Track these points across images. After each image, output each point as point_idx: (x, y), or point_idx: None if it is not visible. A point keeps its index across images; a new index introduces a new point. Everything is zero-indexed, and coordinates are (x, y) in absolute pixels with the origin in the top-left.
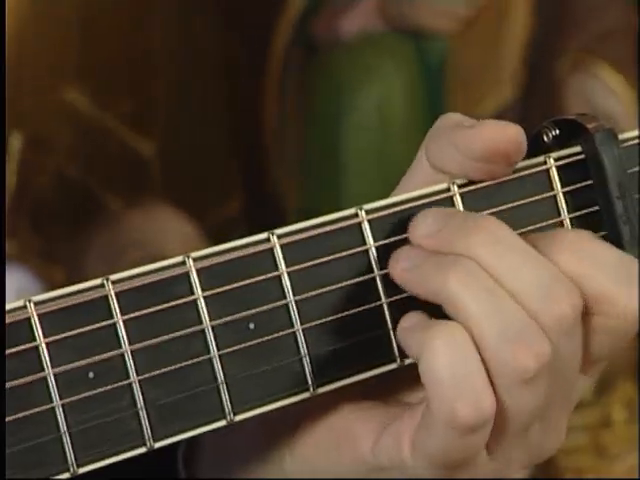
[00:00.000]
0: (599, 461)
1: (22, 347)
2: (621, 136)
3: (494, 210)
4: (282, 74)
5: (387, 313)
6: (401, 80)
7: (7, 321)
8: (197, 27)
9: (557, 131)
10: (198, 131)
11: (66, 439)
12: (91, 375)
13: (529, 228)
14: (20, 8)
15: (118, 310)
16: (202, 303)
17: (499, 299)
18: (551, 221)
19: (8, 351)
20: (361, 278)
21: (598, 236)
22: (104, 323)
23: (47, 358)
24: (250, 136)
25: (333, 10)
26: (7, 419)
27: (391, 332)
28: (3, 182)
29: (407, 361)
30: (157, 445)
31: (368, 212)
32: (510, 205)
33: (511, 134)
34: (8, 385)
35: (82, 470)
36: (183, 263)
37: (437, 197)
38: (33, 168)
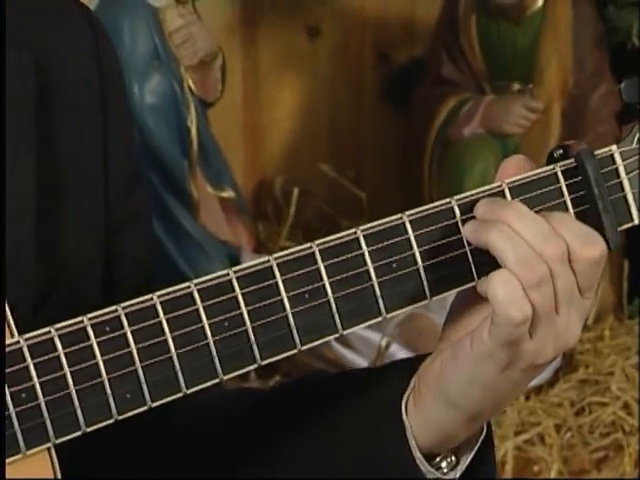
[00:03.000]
0: (595, 357)
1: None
2: (596, 152)
3: (527, 196)
4: (432, 157)
5: (470, 256)
6: (493, 160)
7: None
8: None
9: (561, 151)
10: (385, 188)
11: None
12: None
13: (546, 205)
14: (293, 115)
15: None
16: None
17: (517, 243)
18: (558, 201)
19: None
20: (453, 238)
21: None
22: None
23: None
24: (414, 189)
25: (458, 123)
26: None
27: (472, 267)
28: (3, 184)
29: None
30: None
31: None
32: (536, 193)
33: None
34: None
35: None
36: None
37: (491, 191)
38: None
